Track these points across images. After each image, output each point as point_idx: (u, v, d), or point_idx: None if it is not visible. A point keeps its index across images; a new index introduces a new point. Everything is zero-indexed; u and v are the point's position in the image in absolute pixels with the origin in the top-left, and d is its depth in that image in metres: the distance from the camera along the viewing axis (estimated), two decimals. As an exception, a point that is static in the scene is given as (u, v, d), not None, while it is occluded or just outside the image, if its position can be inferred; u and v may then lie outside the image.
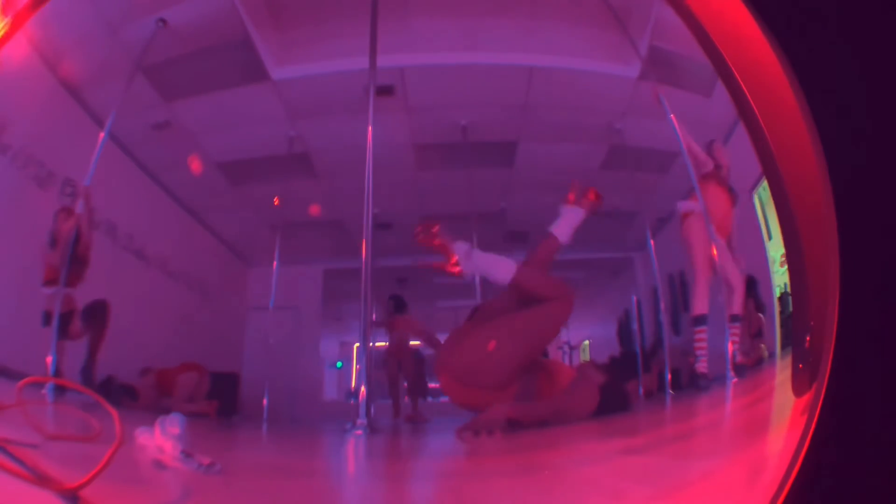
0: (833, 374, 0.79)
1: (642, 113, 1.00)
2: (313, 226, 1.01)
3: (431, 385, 0.95)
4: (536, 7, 1.02)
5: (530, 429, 0.92)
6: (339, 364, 0.95)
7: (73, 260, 0.90)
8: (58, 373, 0.89)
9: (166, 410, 0.81)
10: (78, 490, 0.68)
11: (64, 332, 0.89)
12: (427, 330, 0.95)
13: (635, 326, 0.94)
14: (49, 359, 0.89)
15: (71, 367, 0.90)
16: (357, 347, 0.94)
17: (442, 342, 0.94)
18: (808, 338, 0.81)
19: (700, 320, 0.95)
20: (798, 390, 0.82)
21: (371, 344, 0.94)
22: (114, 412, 0.76)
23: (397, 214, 0.99)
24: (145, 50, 0.98)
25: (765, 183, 0.87)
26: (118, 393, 0.87)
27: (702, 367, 0.93)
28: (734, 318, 0.93)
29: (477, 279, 0.94)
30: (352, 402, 0.92)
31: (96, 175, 0.93)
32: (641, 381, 0.93)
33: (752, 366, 0.92)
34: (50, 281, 0.91)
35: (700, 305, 0.95)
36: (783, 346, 0.89)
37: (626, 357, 0.94)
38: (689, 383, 0.94)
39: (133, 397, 0.88)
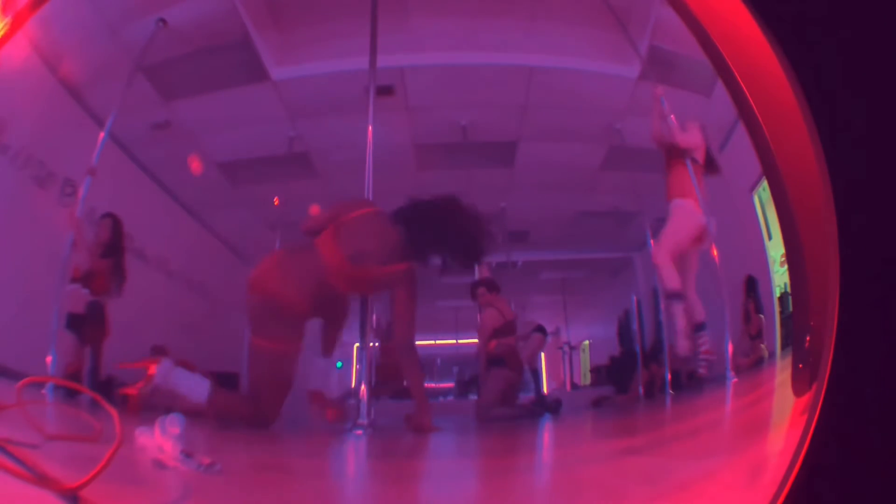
0: (833, 374, 0.79)
1: (642, 113, 1.00)
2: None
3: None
4: (536, 7, 1.02)
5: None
6: (339, 364, 0.95)
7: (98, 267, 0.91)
8: (58, 373, 0.89)
9: (166, 410, 0.81)
10: (78, 490, 0.68)
11: (78, 331, 0.90)
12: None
13: (635, 326, 0.94)
14: (49, 359, 0.89)
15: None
16: (357, 347, 0.94)
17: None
18: (808, 338, 0.81)
19: (674, 296, 0.95)
20: (798, 390, 0.82)
21: (371, 344, 0.94)
22: (114, 412, 0.75)
23: (397, 214, 0.99)
24: (145, 50, 0.98)
25: (765, 183, 0.87)
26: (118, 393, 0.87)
27: (703, 370, 0.93)
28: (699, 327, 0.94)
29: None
30: (352, 402, 0.92)
31: (96, 175, 0.93)
32: (641, 381, 0.93)
33: (752, 366, 0.92)
34: (73, 279, 0.91)
35: (671, 280, 0.95)
36: (783, 346, 0.89)
37: (626, 357, 0.94)
38: (688, 383, 0.94)
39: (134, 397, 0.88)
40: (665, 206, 0.99)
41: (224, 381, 0.92)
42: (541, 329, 0.98)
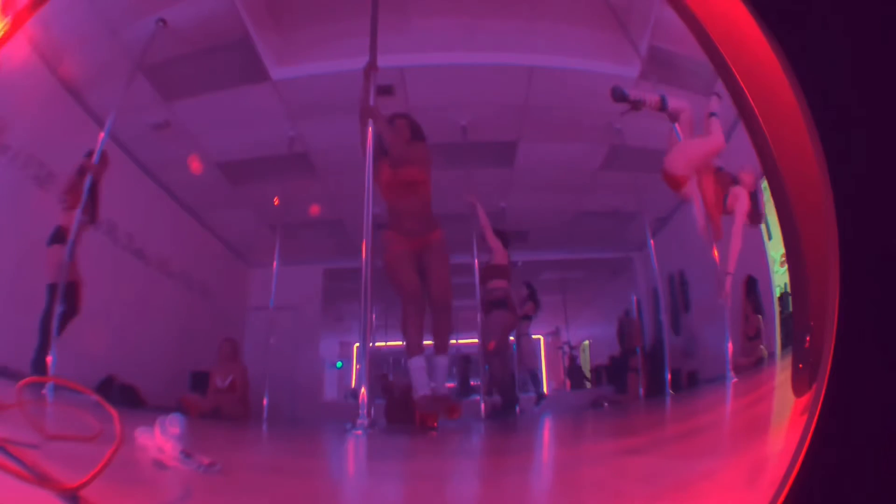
0: (833, 374, 0.79)
1: (642, 113, 1.00)
2: (313, 226, 1.01)
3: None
4: (536, 7, 1.02)
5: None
6: (339, 364, 0.95)
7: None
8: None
9: (166, 410, 0.81)
10: (78, 490, 0.68)
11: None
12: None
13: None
14: (49, 358, 0.89)
15: (69, 367, 0.90)
16: (357, 347, 0.94)
17: None
18: (808, 338, 0.81)
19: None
20: (798, 390, 0.82)
21: (371, 344, 0.94)
22: (114, 412, 0.75)
23: (397, 214, 0.99)
24: (145, 50, 0.98)
25: (765, 183, 0.87)
26: (118, 393, 0.87)
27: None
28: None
29: None
30: (351, 401, 0.92)
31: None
32: (641, 381, 0.93)
33: (752, 366, 0.92)
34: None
35: None
36: (783, 346, 0.89)
37: (626, 357, 0.94)
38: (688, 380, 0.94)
39: (133, 397, 0.88)
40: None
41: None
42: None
